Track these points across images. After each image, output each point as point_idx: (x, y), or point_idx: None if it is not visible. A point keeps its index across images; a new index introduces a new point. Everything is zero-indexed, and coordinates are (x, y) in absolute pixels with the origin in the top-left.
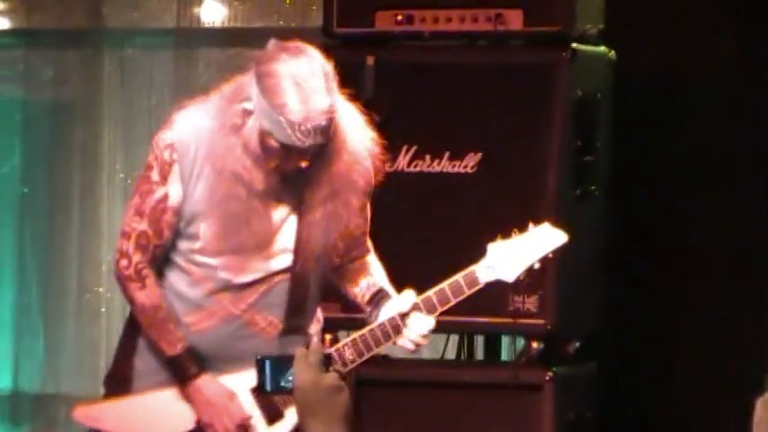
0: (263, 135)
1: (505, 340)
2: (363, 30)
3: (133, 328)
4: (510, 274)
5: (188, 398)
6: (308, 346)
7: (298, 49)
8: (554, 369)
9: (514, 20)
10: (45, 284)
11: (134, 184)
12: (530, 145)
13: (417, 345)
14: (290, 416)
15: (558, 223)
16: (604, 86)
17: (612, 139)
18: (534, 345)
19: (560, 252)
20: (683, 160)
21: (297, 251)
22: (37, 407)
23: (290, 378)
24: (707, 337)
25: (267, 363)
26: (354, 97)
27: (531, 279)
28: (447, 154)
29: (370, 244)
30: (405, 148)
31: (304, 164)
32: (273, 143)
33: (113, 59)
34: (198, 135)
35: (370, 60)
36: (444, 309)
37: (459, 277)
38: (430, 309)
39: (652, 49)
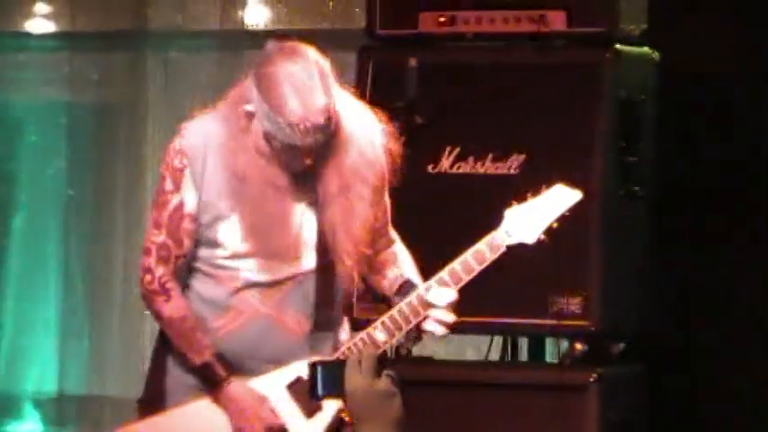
0: (267, 136)
1: (550, 341)
2: (406, 31)
3: (161, 349)
4: (530, 236)
5: (221, 404)
6: (336, 347)
7: (293, 50)
8: (599, 370)
9: (557, 21)
10: (90, 287)
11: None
12: (573, 146)
13: (444, 324)
14: (329, 407)
15: (602, 224)
16: (648, 87)
17: (657, 139)
18: (578, 346)
19: (605, 253)
20: (730, 160)
21: (319, 248)
22: (82, 409)
23: (343, 383)
24: (755, 338)
25: (319, 368)
26: (398, 99)
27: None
28: (490, 156)
29: (394, 234)
30: (447, 149)
31: (308, 161)
32: (276, 143)
33: (157, 62)
34: (206, 138)
35: (413, 62)
36: (470, 278)
37: (480, 245)
38: (456, 280)
39: (696, 49)
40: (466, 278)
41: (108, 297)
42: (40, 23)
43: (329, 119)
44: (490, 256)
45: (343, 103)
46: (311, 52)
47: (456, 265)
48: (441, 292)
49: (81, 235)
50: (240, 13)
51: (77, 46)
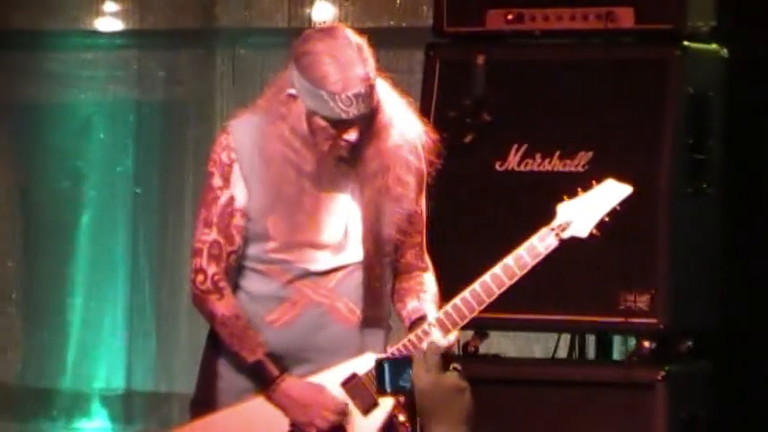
0: (310, 116)
1: (617, 339)
2: (474, 29)
3: (212, 350)
4: (583, 229)
5: (277, 402)
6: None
7: (329, 27)
8: (666, 368)
9: (625, 18)
10: (158, 284)
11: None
12: (641, 143)
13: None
14: (385, 404)
15: (670, 221)
16: (717, 84)
17: (726, 137)
18: (646, 344)
19: (673, 250)
20: None
21: (364, 236)
22: (150, 406)
23: (409, 379)
24: None
25: (386, 364)
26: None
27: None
28: (558, 153)
29: (428, 260)
30: (515, 147)
31: (353, 136)
32: (321, 122)
33: (225, 59)
34: (251, 134)
35: (481, 59)
36: (524, 273)
37: (533, 240)
38: (510, 275)
39: (765, 46)
40: (520, 273)
41: (175, 294)
42: (108, 22)
43: (370, 87)
44: (543, 251)
45: (385, 90)
46: (347, 30)
47: (509, 260)
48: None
49: (149, 232)
50: (308, 10)
51: (146, 44)
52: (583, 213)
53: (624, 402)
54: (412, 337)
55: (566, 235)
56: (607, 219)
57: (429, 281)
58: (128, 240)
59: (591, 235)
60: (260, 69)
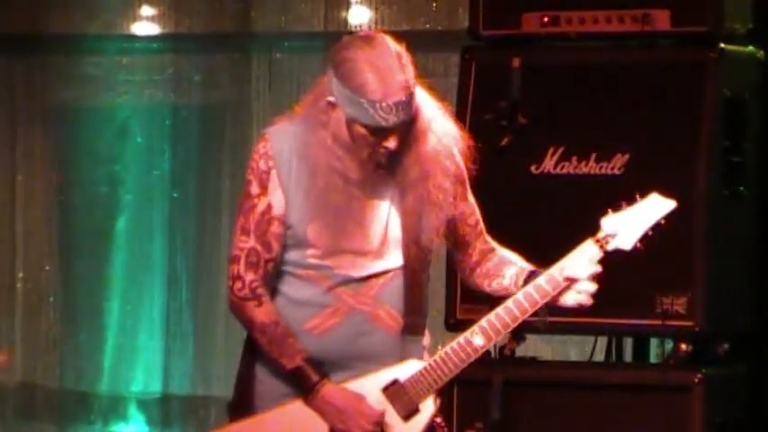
0: (350, 124)
1: (654, 341)
2: (510, 32)
3: (250, 355)
4: (627, 242)
5: (316, 408)
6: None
7: (367, 35)
8: (703, 370)
9: (661, 20)
10: (195, 287)
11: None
12: (678, 146)
13: (588, 293)
14: (427, 408)
15: (706, 224)
16: (753, 87)
17: (762, 139)
18: (683, 346)
19: (710, 253)
20: None
21: (404, 243)
22: (187, 409)
23: None
24: None
25: None
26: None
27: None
28: (594, 155)
29: (491, 241)
30: (551, 149)
31: (393, 143)
32: (361, 129)
33: (262, 63)
34: (290, 141)
35: (517, 62)
36: (568, 283)
37: (577, 251)
38: (555, 285)
39: None
40: (565, 284)
41: (212, 297)
42: (144, 26)
43: (410, 95)
44: (587, 265)
45: (422, 96)
46: (386, 38)
47: (553, 271)
48: (583, 264)
49: (185, 236)
50: (344, 14)
51: (182, 48)
52: (627, 226)
53: (661, 405)
54: (454, 344)
55: (610, 247)
56: (651, 232)
57: (505, 251)
58: (164, 244)
59: (635, 248)
60: (296, 73)
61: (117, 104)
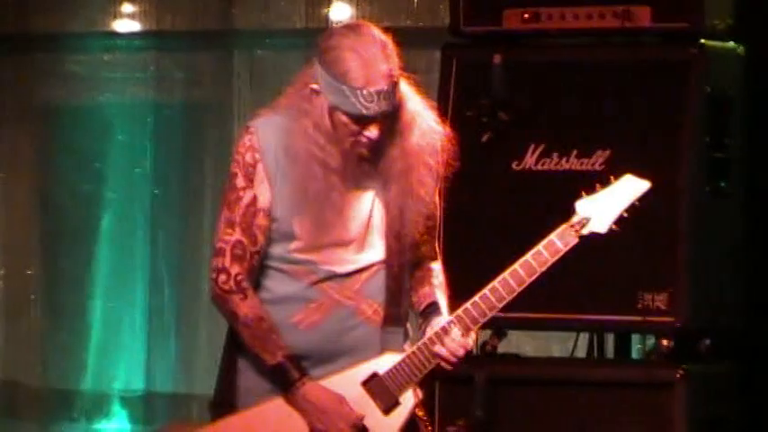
0: (332, 111)
1: (636, 338)
2: (491, 28)
3: (232, 350)
4: (602, 225)
5: (296, 406)
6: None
7: (354, 24)
8: (685, 367)
9: (642, 16)
10: (177, 285)
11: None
12: (659, 142)
13: (449, 361)
14: (407, 400)
15: (688, 220)
16: (735, 83)
17: (748, 136)
18: (665, 342)
19: (691, 249)
20: None
21: (386, 236)
22: (170, 407)
23: None
24: None
25: None
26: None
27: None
28: (575, 152)
29: (437, 251)
30: (532, 146)
31: (375, 132)
32: (343, 117)
33: (243, 61)
34: (276, 133)
35: (498, 59)
36: (544, 270)
37: (552, 237)
38: (530, 272)
39: None
40: (540, 270)
41: (195, 295)
42: (126, 24)
43: (393, 85)
44: (563, 248)
45: (406, 90)
46: (372, 27)
47: (528, 257)
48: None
49: (168, 234)
50: (325, 11)
51: (164, 46)
52: (601, 209)
53: (643, 401)
54: (432, 335)
55: (585, 231)
56: (626, 214)
57: (437, 269)
58: (147, 242)
59: (610, 230)
60: (278, 70)
61: (99, 102)
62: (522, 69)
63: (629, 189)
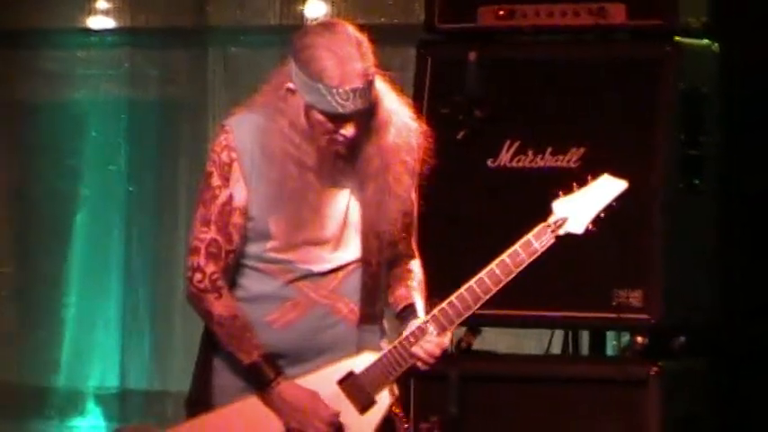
0: (308, 110)
1: (610, 334)
2: (466, 25)
3: (208, 348)
4: (579, 226)
5: (271, 405)
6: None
7: (330, 22)
8: (660, 364)
9: (617, 14)
10: (153, 283)
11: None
12: (633, 139)
13: (426, 361)
14: (383, 400)
15: (662, 217)
16: (710, 80)
17: (723, 133)
18: (639, 339)
19: (665, 246)
20: None
21: (363, 234)
22: (145, 404)
23: None
24: None
25: None
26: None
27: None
28: (550, 149)
29: (415, 248)
30: (507, 143)
31: (351, 131)
32: (318, 116)
33: (218, 58)
34: (252, 132)
35: (473, 56)
36: (520, 269)
37: (529, 236)
38: (507, 271)
39: (758, 41)
40: (516, 270)
41: (170, 292)
42: (100, 20)
43: (369, 83)
44: (539, 248)
45: (383, 88)
46: (348, 26)
47: (505, 257)
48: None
49: (142, 231)
50: (300, 8)
51: (138, 43)
52: (578, 209)
53: (618, 398)
54: (409, 334)
55: (562, 231)
56: (603, 215)
57: (416, 268)
58: (121, 239)
59: (587, 231)
60: (253, 67)
61: (73, 99)
62: (497, 66)
63: (606, 189)
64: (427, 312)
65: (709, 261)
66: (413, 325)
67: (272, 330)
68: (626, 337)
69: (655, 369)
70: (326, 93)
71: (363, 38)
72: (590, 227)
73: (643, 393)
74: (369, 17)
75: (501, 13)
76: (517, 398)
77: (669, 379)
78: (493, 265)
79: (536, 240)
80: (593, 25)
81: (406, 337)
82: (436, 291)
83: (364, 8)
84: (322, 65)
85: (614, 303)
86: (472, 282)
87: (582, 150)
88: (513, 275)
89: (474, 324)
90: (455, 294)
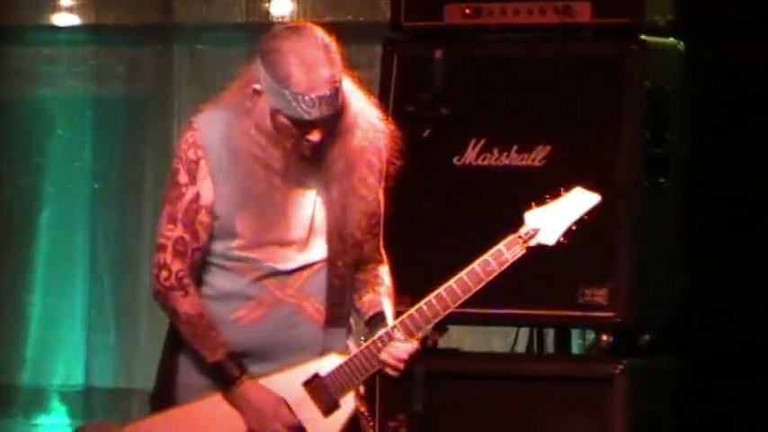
0: (274, 113)
1: (576, 332)
2: (432, 23)
3: (172, 345)
4: (550, 237)
5: (234, 404)
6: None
7: (298, 27)
8: (625, 362)
9: (583, 12)
10: (118, 280)
11: (163, 194)
12: (599, 137)
13: (395, 368)
14: (347, 403)
15: (627, 215)
16: (675, 79)
17: (687, 132)
18: (605, 337)
19: (631, 244)
20: (761, 152)
21: (329, 235)
22: (110, 402)
23: None
24: None
25: None
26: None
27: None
28: (515, 147)
29: (383, 253)
30: (473, 141)
31: (317, 137)
32: (284, 120)
33: (183, 55)
34: (219, 129)
35: (439, 54)
36: (490, 278)
37: (500, 246)
38: (476, 281)
39: (723, 40)
40: (486, 279)
41: (135, 290)
42: (65, 17)
43: (335, 90)
44: (510, 258)
45: (350, 89)
46: (316, 29)
47: (475, 266)
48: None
49: (107, 228)
50: (266, 5)
51: (104, 39)
52: (550, 221)
53: (583, 396)
54: (376, 339)
55: (533, 242)
56: (575, 227)
57: (384, 274)
58: (86, 236)
59: (558, 243)
60: (218, 64)
61: (38, 96)
62: (463, 64)
63: (578, 202)
64: (396, 317)
65: (674, 260)
66: (381, 332)
67: (238, 328)
68: (591, 335)
69: (620, 367)
70: (292, 99)
71: (331, 42)
72: (561, 239)
73: (608, 391)
74: (335, 15)
75: (467, 11)
76: (483, 396)
77: (634, 377)
78: (463, 273)
79: (507, 250)
80: (558, 23)
81: (374, 342)
82: (400, 289)
83: (330, 6)
84: (288, 70)
85: (580, 301)
86: (441, 289)
87: (548, 149)
88: (482, 284)
89: (440, 322)
90: (424, 301)
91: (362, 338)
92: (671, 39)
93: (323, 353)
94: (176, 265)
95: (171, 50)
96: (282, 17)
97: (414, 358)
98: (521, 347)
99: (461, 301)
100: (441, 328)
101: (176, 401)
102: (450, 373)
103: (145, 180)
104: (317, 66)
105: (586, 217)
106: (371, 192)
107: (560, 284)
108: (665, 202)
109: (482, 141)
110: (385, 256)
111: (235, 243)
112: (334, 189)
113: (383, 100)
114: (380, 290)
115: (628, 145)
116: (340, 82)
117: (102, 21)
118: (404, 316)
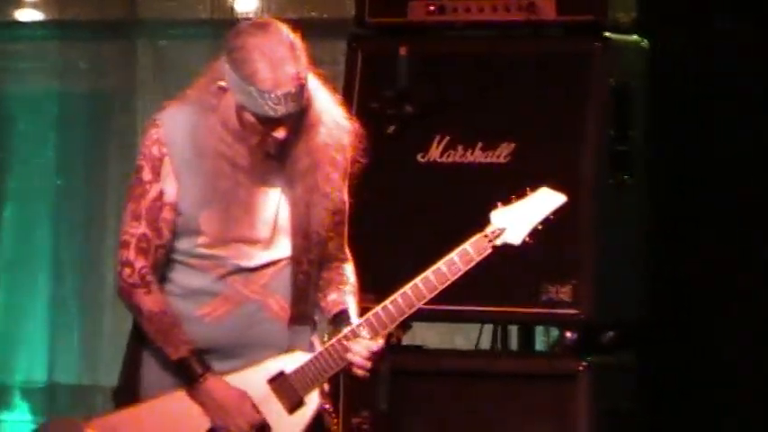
0: (240, 111)
1: (540, 330)
2: (396, 20)
3: (137, 341)
4: (516, 237)
5: (198, 400)
6: (312, 341)
7: (264, 23)
8: (588, 359)
9: (547, 9)
10: (81, 276)
11: (126, 192)
12: (563, 134)
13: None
14: (312, 401)
15: (592, 212)
16: (638, 76)
17: (651, 129)
18: (568, 334)
19: (595, 241)
20: (726, 147)
21: (293, 233)
22: (73, 399)
23: None
24: (751, 326)
25: None
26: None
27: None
28: (480, 144)
29: (348, 251)
30: (437, 138)
31: (282, 134)
32: (250, 117)
33: (147, 51)
34: (183, 126)
35: (403, 51)
36: (456, 278)
37: (466, 246)
38: (442, 279)
39: (686, 37)
40: (452, 278)
41: (98, 286)
42: (29, 13)
43: (301, 87)
44: (476, 257)
45: (314, 87)
46: (282, 26)
47: (441, 265)
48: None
49: (71, 224)
50: (230, 1)
51: (67, 35)
52: (516, 221)
53: (547, 393)
54: (341, 337)
55: (499, 242)
56: (540, 227)
57: (349, 272)
58: (50, 232)
59: (524, 243)
60: (182, 61)
61: (1, 92)
62: (427, 61)
63: (544, 202)
64: (360, 316)
65: (639, 256)
66: (346, 329)
67: (203, 325)
68: (555, 333)
69: (583, 364)
70: (258, 96)
71: (297, 39)
72: (527, 239)
73: (572, 388)
74: (299, 11)
75: (431, 8)
76: (446, 392)
77: (598, 374)
78: (429, 272)
79: (473, 249)
80: (523, 21)
81: (339, 341)
82: (365, 287)
83: (295, 2)
84: (254, 67)
85: (544, 298)
86: (407, 287)
87: (512, 146)
88: (448, 283)
89: (404, 320)
90: (389, 299)
91: (326, 336)
92: (635, 36)
93: (288, 350)
94: (139, 263)
95: (134, 46)
96: (247, 13)
97: (379, 356)
98: (484, 345)
99: (427, 299)
100: (404, 325)
101: (140, 396)
102: (414, 370)
103: (108, 176)
104: (282, 63)
105: (552, 217)
106: (336, 189)
107: (524, 281)
108: (628, 198)
109: (446, 138)
110: (350, 254)
111: (199, 240)
112: (299, 186)
113: (347, 97)
114: (345, 288)
115: (592, 142)
116: (305, 79)
117: (66, 16)
118: (369, 314)
